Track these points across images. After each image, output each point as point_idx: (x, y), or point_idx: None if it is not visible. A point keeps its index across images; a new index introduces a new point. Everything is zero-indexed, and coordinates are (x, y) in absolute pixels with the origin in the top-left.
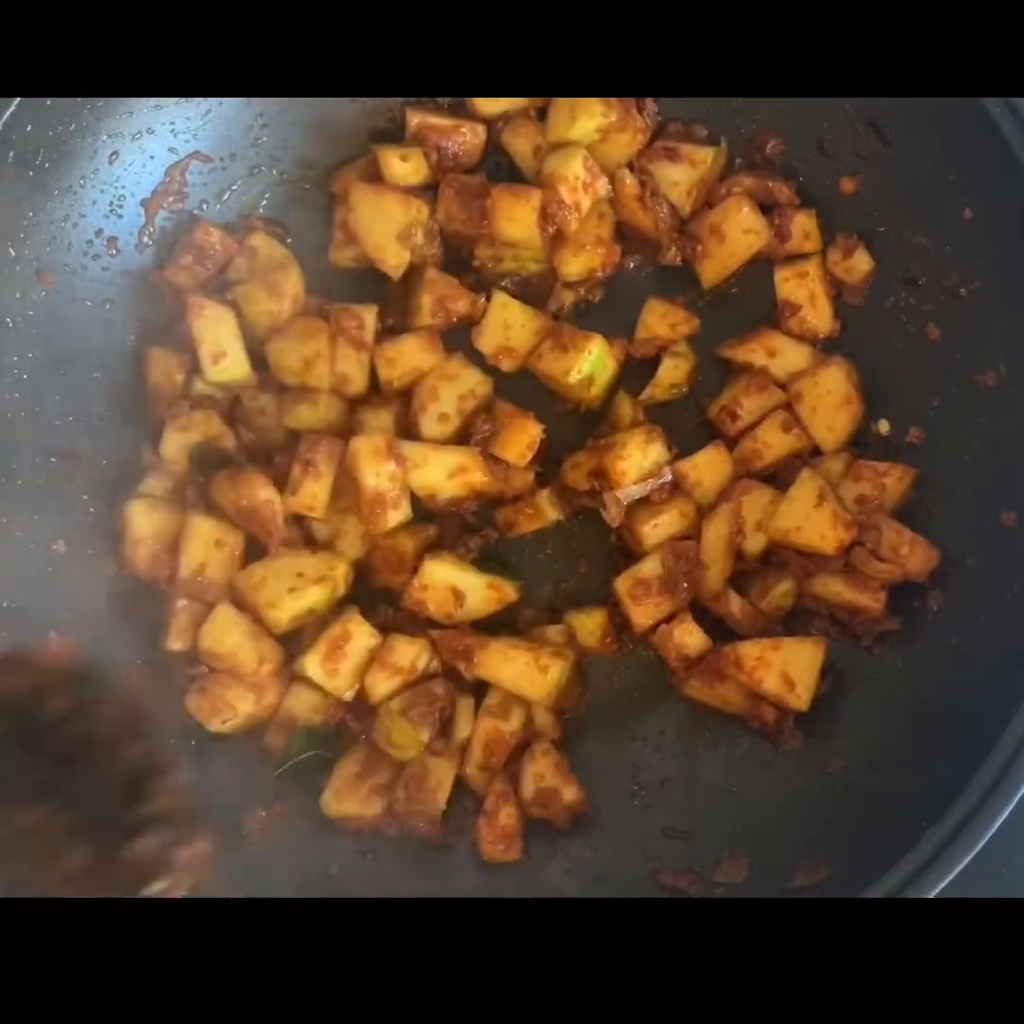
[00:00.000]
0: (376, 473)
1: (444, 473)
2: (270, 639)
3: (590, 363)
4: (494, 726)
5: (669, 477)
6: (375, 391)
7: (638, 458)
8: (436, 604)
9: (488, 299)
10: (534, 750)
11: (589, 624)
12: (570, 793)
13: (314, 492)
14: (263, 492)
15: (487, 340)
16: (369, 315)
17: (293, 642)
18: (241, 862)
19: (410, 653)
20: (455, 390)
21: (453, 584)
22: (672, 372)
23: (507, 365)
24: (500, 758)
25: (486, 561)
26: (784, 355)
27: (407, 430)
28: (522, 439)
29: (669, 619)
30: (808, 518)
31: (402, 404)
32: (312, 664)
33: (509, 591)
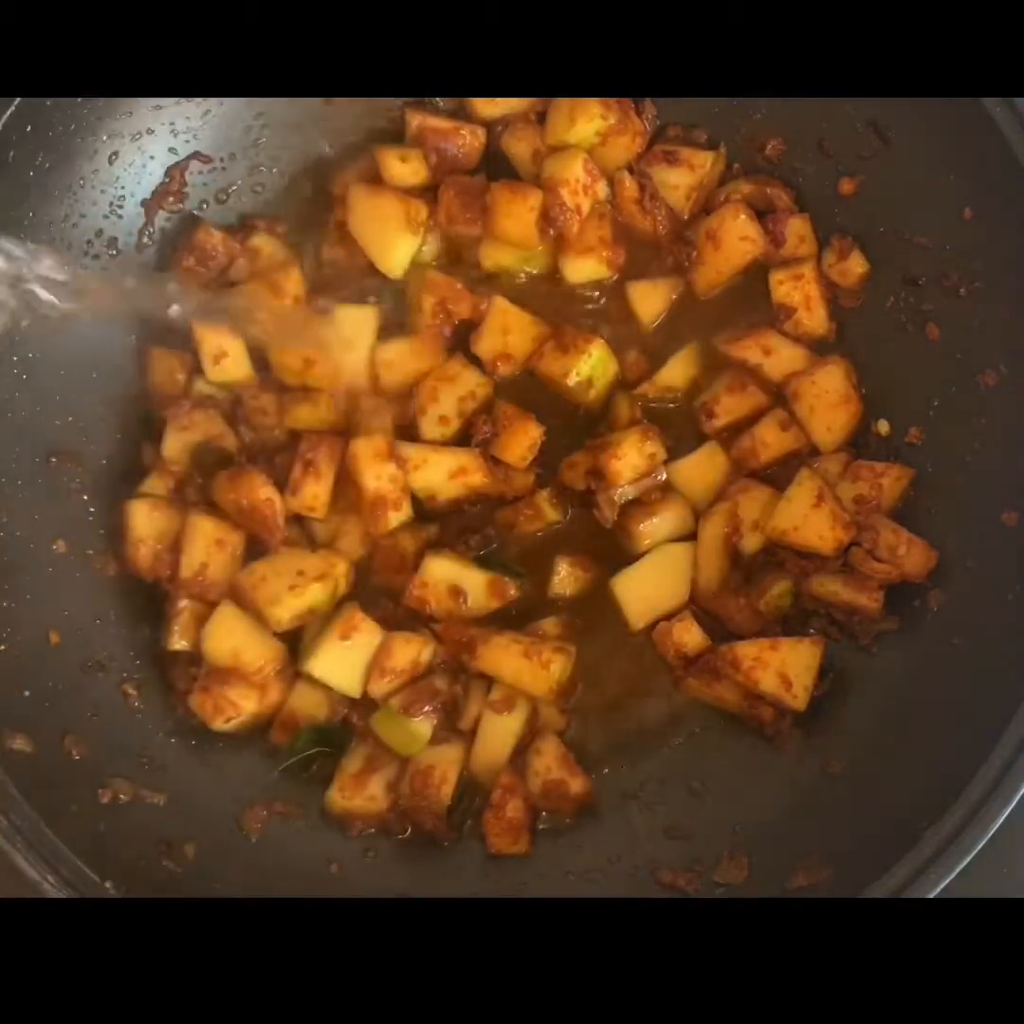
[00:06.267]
0: (377, 475)
1: (444, 474)
2: (272, 638)
3: (590, 365)
4: (498, 721)
5: (663, 477)
6: (376, 391)
7: (633, 458)
8: (437, 601)
9: (489, 301)
10: (539, 743)
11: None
12: (577, 784)
13: (315, 492)
14: (263, 491)
15: (485, 345)
16: (370, 315)
17: (297, 640)
18: (241, 860)
19: (409, 653)
20: (455, 392)
21: (454, 581)
22: (672, 374)
23: (504, 370)
24: (505, 752)
25: (486, 559)
26: (778, 354)
27: (407, 431)
28: (523, 441)
29: (669, 618)
30: (806, 518)
31: (401, 405)
32: (319, 663)
33: (510, 589)
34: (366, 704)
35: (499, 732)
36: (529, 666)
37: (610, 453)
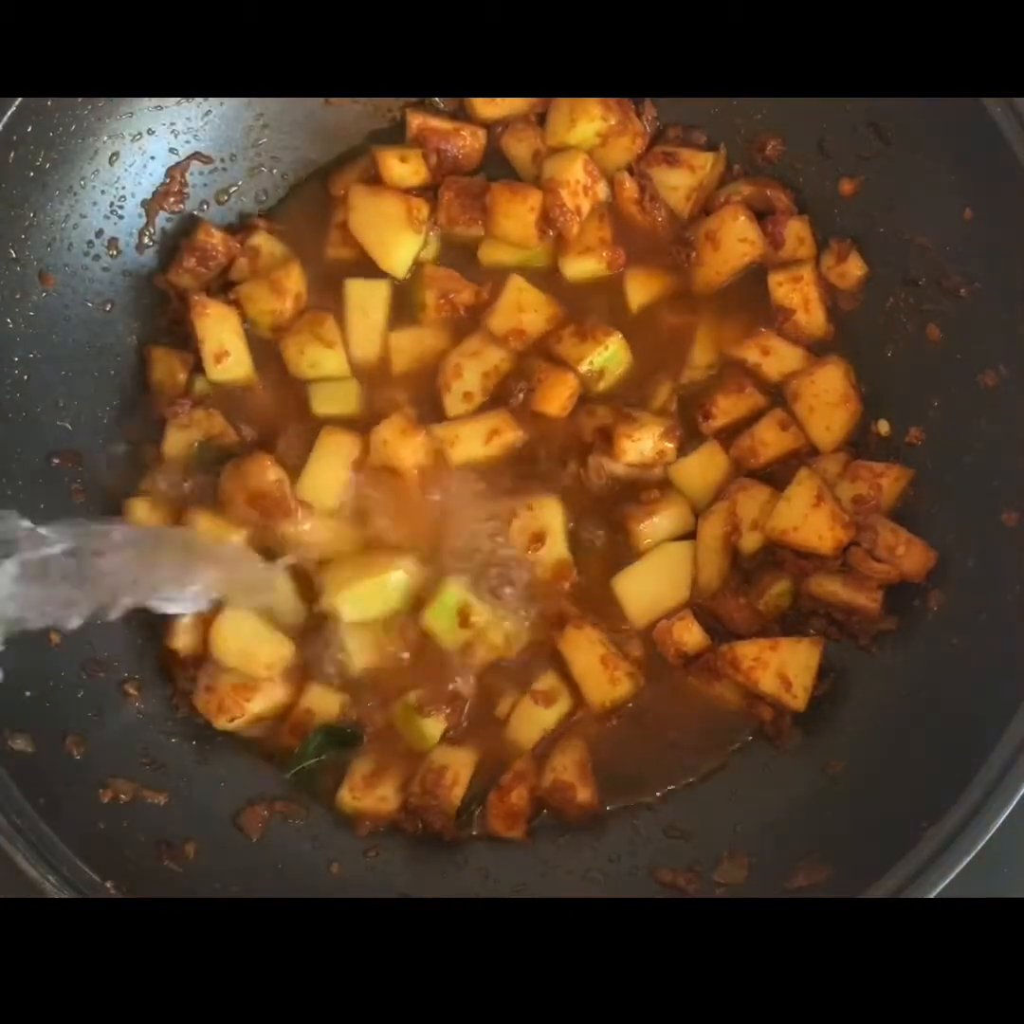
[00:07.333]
0: (413, 450)
1: (480, 440)
2: (282, 637)
3: (604, 358)
4: (534, 711)
5: (659, 473)
6: (389, 376)
7: (645, 446)
8: (520, 528)
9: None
10: (567, 742)
11: None
12: (584, 794)
13: (327, 482)
14: (272, 473)
15: (498, 321)
16: (380, 290)
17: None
18: (241, 860)
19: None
20: (479, 367)
21: (546, 529)
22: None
23: (516, 346)
24: (530, 741)
25: (575, 538)
26: (777, 354)
27: (428, 414)
28: (562, 391)
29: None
30: (806, 518)
31: (415, 390)
32: (348, 601)
33: (572, 575)
34: (379, 703)
35: (532, 721)
36: (599, 672)
37: (627, 430)
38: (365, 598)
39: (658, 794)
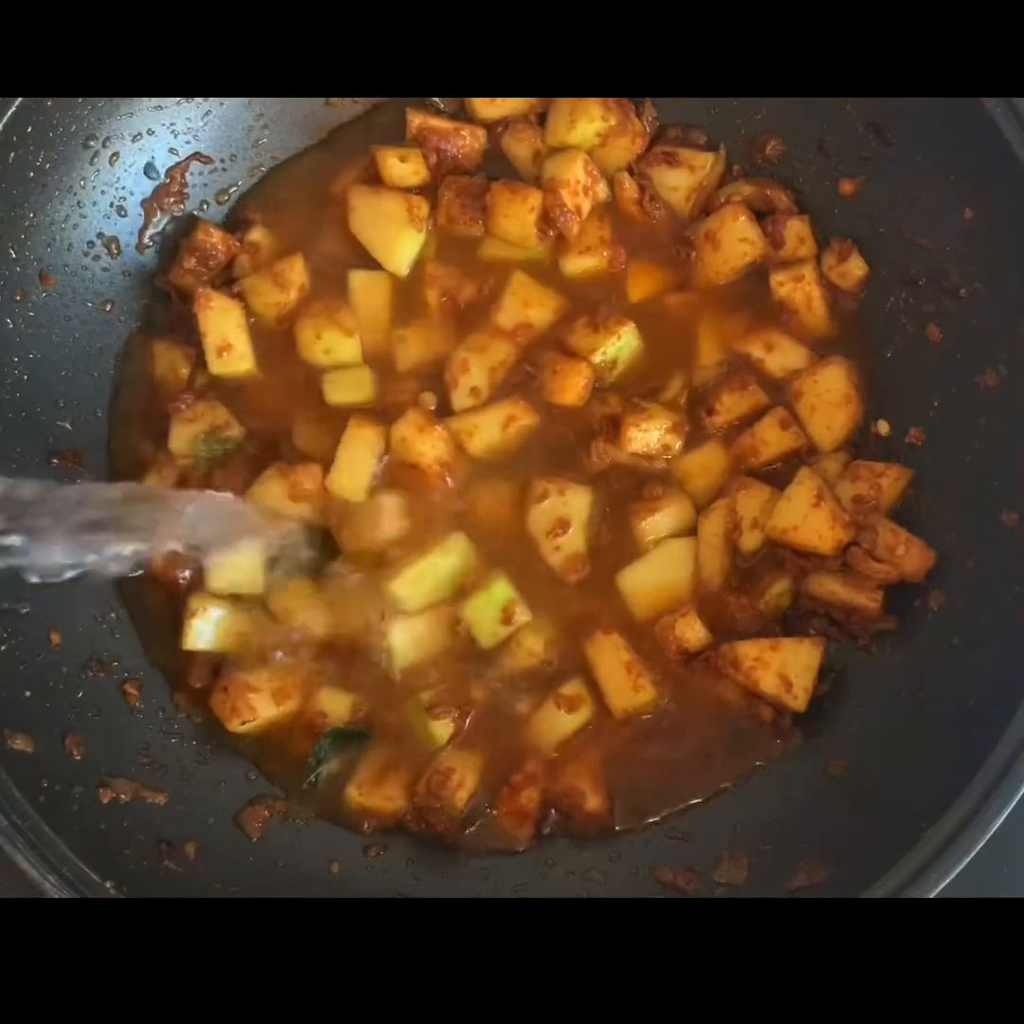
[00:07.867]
0: (432, 445)
1: (497, 428)
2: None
3: (617, 348)
4: (556, 716)
5: (661, 466)
6: (395, 370)
7: (651, 438)
8: (547, 510)
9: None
10: (585, 749)
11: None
12: (594, 801)
13: (356, 475)
14: (320, 478)
15: (506, 316)
16: (382, 281)
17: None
18: (241, 860)
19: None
20: (486, 363)
21: (568, 517)
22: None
23: (523, 340)
24: (547, 744)
25: (595, 539)
26: (781, 350)
27: (437, 410)
28: (578, 381)
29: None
30: (806, 518)
31: (420, 386)
32: (404, 583)
33: (585, 569)
34: (394, 700)
35: (552, 726)
36: (623, 677)
37: (635, 420)
38: (419, 579)
39: (666, 813)
